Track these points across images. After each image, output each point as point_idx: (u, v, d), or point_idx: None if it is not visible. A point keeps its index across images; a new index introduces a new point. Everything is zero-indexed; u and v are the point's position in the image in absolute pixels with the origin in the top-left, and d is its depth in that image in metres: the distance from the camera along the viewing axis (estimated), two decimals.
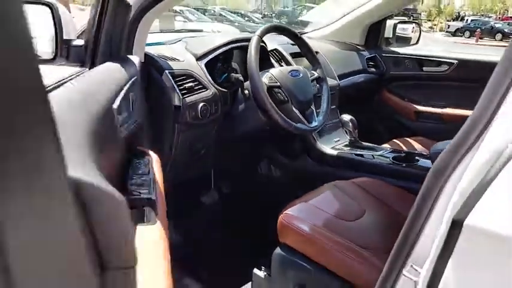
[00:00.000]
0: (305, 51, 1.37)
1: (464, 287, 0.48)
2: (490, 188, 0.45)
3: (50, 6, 0.86)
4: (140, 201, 0.57)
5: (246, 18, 14.77)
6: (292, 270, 0.96)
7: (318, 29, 2.05)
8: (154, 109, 1.04)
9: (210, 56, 1.22)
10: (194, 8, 10.85)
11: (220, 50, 1.25)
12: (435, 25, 38.74)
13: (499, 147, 0.46)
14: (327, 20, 2.05)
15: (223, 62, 1.28)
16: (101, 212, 0.32)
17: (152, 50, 1.15)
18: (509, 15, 38.38)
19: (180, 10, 9.63)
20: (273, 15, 21.28)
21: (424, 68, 1.88)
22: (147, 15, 0.97)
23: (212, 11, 13.62)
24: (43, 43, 0.87)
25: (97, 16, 0.87)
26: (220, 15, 13.00)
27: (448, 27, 31.11)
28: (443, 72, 1.81)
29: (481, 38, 22.27)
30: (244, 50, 1.24)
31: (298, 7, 25.53)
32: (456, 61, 1.77)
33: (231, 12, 15.39)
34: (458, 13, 45.09)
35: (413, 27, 2.26)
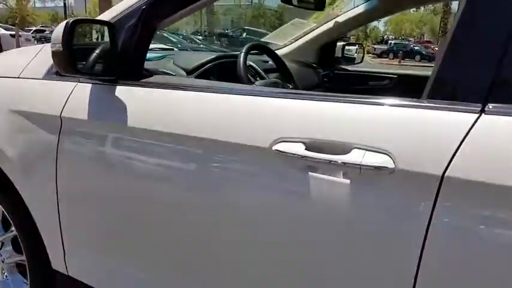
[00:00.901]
0: (280, 66, 1.59)
1: (449, 233, 0.67)
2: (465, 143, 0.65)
3: (109, 25, 0.97)
4: None
5: (188, 40, 14.90)
6: None
7: (277, 49, 2.30)
8: None
9: (200, 71, 1.38)
10: None
11: (209, 65, 1.41)
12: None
13: None
14: (285, 41, 2.30)
15: (209, 76, 1.45)
16: None
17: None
18: (425, 39, 43.04)
19: None
20: (214, 36, 21.64)
21: (370, 82, 2.20)
22: None
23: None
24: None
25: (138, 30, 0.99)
26: (163, 36, 13.00)
27: (375, 50, 33.92)
28: (386, 85, 2.13)
29: (403, 59, 24.65)
30: (228, 65, 1.41)
31: (238, 29, 26.34)
32: (396, 76, 2.11)
33: (173, 33, 15.44)
34: (382, 37, 49.51)
35: (356, 49, 2.60)
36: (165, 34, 13.98)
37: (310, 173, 0.76)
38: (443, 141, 0.67)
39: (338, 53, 2.36)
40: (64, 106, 1.08)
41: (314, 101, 0.83)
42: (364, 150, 0.72)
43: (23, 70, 1.22)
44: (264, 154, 0.80)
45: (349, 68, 2.31)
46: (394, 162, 0.70)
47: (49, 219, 1.15)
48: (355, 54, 2.55)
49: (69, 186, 1.11)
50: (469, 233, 0.66)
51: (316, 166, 0.76)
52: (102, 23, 1.03)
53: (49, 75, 1.15)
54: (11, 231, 1.37)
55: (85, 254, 1.14)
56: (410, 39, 45.70)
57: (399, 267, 0.71)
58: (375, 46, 37.09)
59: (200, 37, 18.24)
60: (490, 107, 0.66)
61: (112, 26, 0.99)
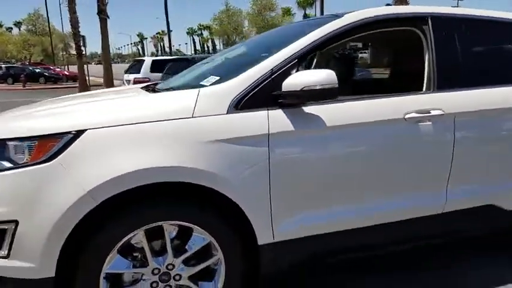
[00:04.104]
0: None
1: None
2: None
3: None
4: None
5: None
6: None
7: None
8: None
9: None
10: None
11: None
12: None
13: None
14: None
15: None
16: None
17: None
18: (34, 61, 40.66)
19: None
20: None
21: None
22: None
23: None
24: None
25: None
26: None
27: None
28: None
29: (27, 83, 22.68)
30: None
31: None
32: None
33: None
34: None
35: None
36: None
37: (419, 123, 1.88)
38: (454, 102, 1.95)
39: None
40: (269, 125, 1.66)
41: (415, 95, 1.97)
42: (436, 110, 1.90)
43: (193, 111, 1.60)
44: (400, 121, 1.85)
45: None
46: (442, 111, 1.91)
47: (262, 207, 1.66)
48: None
49: (281, 176, 1.67)
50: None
51: (421, 120, 1.88)
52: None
53: (231, 110, 1.64)
54: (188, 252, 1.66)
55: (294, 219, 1.74)
56: (14, 61, 42.29)
57: (447, 154, 1.94)
58: None
59: None
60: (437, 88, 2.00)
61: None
